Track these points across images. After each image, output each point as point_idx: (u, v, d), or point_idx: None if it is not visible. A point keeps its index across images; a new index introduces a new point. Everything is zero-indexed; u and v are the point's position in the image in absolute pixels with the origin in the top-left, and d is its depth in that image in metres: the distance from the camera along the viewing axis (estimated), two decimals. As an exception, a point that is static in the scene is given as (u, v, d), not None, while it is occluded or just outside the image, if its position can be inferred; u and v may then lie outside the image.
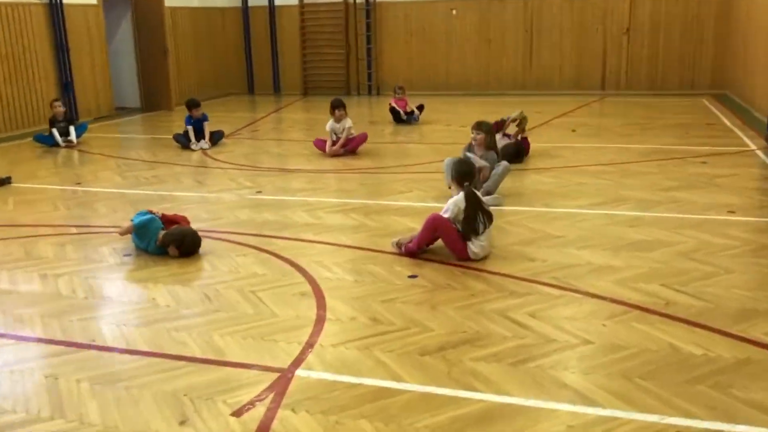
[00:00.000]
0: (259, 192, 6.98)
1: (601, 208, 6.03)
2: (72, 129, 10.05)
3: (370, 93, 16.48)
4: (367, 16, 16.08)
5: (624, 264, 4.64)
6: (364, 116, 12.90)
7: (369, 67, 16.37)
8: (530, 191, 6.76)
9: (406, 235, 5.05)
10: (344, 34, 16.23)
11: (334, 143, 8.84)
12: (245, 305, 4.13)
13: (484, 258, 4.82)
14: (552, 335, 3.64)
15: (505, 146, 7.90)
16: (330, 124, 8.93)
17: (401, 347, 3.54)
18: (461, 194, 4.81)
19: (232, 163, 8.48)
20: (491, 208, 5.92)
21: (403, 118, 11.50)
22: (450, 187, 5.21)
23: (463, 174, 4.93)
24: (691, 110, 12.07)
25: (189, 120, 9.71)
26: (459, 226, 4.80)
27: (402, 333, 3.71)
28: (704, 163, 7.75)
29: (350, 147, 8.88)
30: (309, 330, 3.76)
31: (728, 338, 3.56)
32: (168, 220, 5.36)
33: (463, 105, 13.89)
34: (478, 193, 5.01)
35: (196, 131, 9.62)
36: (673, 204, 6.08)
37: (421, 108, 11.70)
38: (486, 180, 6.38)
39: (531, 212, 5.96)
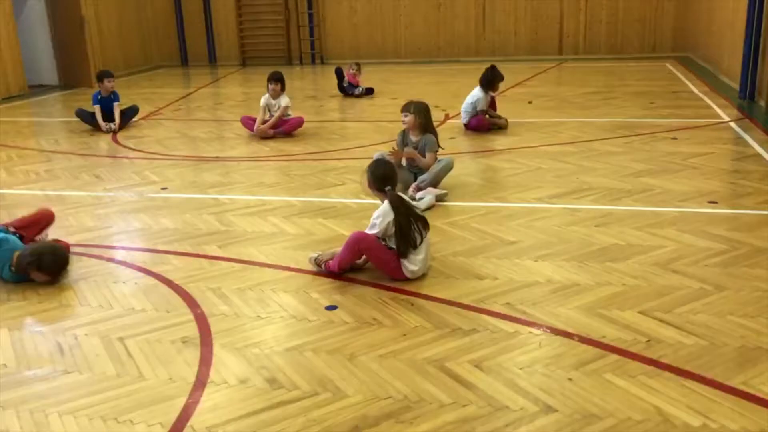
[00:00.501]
0: (165, 189, 5.94)
1: (563, 200, 5.16)
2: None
3: (313, 62, 15.35)
4: (308, -21, 14.87)
5: (592, 280, 3.77)
6: (306, 89, 11.82)
7: (311, 34, 15.21)
8: (482, 180, 5.84)
9: (327, 251, 4.10)
10: (283, -2, 15.01)
11: (264, 122, 7.80)
12: (106, 362, 3.15)
13: (423, 275, 3.91)
14: (503, 398, 2.75)
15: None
16: (265, 98, 7.86)
17: (302, 429, 2.62)
18: (386, 203, 3.88)
19: (142, 151, 7.39)
20: (436, 204, 5.11)
21: (344, 86, 10.45)
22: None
23: (381, 178, 3.99)
24: (655, 76, 11.27)
25: (96, 98, 8.55)
26: (391, 242, 3.87)
27: (306, 402, 2.78)
28: (674, 139, 6.92)
29: (284, 129, 7.85)
30: (181, 402, 2.81)
31: (731, 396, 2.71)
32: (24, 226, 4.33)
33: (413, 74, 12.90)
34: (405, 196, 4.07)
35: (104, 112, 8.48)
36: (646, 193, 5.23)
37: (370, 91, 10.62)
38: (425, 168, 5.46)
39: (481, 209, 5.05)
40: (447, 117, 8.57)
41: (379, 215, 3.84)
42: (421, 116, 5.54)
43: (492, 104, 7.85)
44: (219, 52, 15.83)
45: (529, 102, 9.32)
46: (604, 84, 10.63)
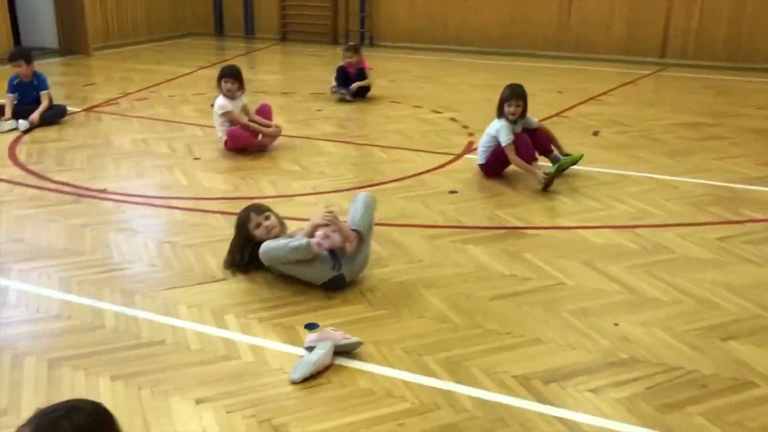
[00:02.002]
0: (-39, 254, 3.85)
1: (569, 391, 2.67)
2: None
3: (362, 42, 12.95)
4: (363, -58, 12.44)
5: None
6: (318, 83, 9.37)
7: (362, 9, 12.81)
8: (446, 303, 3.37)
9: None
10: (332, -37, 12.65)
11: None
12: None
13: None
14: None
15: None
16: (221, 101, 5.88)
17: None
18: None
19: (23, 169, 5.34)
20: (333, 363, 2.44)
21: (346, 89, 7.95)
22: None
23: None
24: (786, 102, 8.25)
25: (12, 83, 6.62)
26: None
27: None
28: (807, 239, 4.21)
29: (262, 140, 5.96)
30: None
31: None
32: None
33: (470, 70, 10.29)
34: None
35: (21, 103, 6.56)
36: (735, 397, 2.66)
37: (362, 91, 7.98)
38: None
39: (405, 401, 2.65)
40: (470, 146, 6.09)
41: None
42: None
43: (538, 138, 5.31)
44: (258, 22, 13.69)
45: (595, 133, 6.64)
46: (711, 110, 7.74)
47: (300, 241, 3.33)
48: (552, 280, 3.62)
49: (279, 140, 6.13)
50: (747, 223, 4.41)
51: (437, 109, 7.56)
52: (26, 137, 6.21)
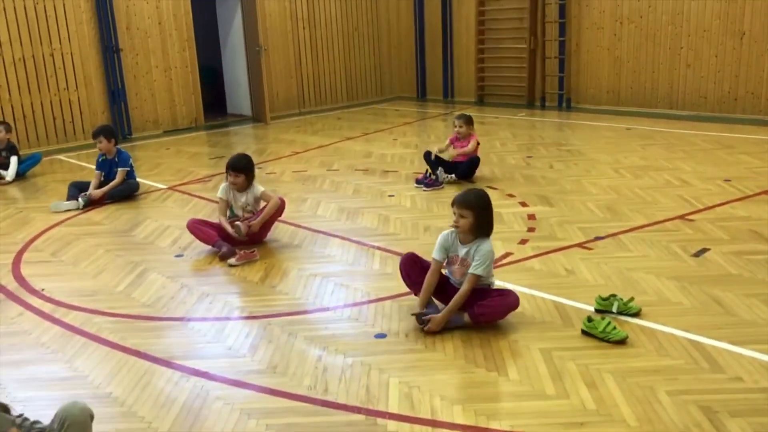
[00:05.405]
0: None
1: None
2: (14, 161, 7.86)
3: (560, 106, 11.45)
4: (562, -5, 11.06)
5: None
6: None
7: (561, 68, 11.32)
8: None
9: None
10: (529, 19, 11.42)
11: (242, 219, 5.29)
12: None
13: None
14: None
15: None
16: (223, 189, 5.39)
17: None
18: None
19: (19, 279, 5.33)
20: None
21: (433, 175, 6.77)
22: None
23: None
24: None
25: (98, 161, 6.95)
26: None
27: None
28: None
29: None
30: None
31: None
32: None
33: (645, 143, 8.29)
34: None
35: (106, 180, 6.82)
36: None
37: (465, 168, 6.79)
38: None
39: None
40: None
41: None
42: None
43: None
44: (457, 85, 12.95)
45: (698, 253, 4.59)
46: None
47: None
48: None
49: (286, 231, 5.38)
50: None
51: (526, 202, 6.06)
52: (72, 219, 6.26)
